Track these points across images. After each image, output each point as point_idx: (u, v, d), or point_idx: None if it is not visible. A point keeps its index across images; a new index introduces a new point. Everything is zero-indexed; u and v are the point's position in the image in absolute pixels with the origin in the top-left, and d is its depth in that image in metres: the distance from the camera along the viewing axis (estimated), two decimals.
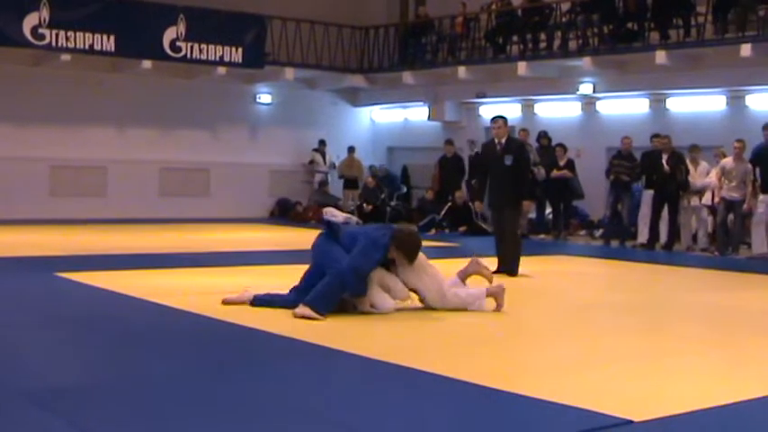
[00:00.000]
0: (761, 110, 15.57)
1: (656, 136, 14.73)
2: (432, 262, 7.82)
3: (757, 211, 13.37)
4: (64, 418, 4.34)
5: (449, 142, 18.90)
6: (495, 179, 10.58)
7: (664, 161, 14.20)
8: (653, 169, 14.41)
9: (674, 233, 14.43)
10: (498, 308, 7.69)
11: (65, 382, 5.13)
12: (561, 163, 16.08)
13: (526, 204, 11.02)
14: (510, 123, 17.59)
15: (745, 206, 13.54)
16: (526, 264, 10.73)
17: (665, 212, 14.45)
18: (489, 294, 7.76)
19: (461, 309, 7.65)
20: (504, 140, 10.53)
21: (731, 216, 13.78)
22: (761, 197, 13.28)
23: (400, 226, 7.97)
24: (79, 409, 4.49)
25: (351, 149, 20.78)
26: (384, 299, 7.48)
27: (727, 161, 13.79)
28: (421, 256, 7.61)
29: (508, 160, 10.36)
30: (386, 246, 7.37)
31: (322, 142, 21.07)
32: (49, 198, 18.19)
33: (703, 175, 14.43)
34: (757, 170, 13.32)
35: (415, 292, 7.66)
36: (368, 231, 7.65)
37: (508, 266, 10.27)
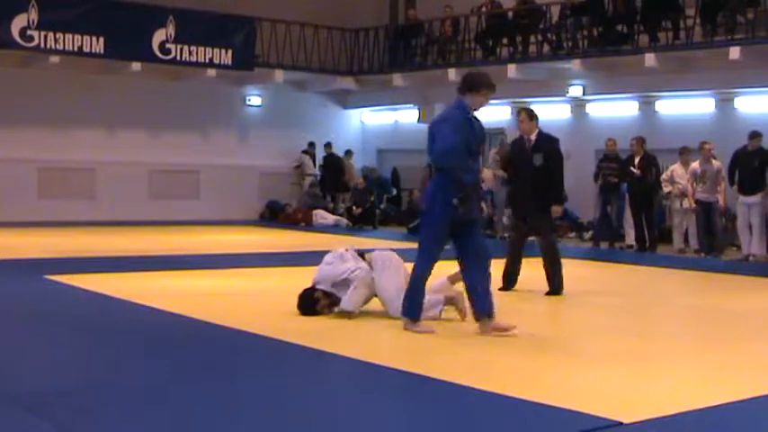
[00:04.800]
0: (749, 112, 15.64)
1: (635, 138, 14.76)
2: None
3: (739, 213, 13.52)
4: (51, 421, 4.31)
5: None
6: (522, 181, 9.36)
7: (635, 163, 14.30)
8: (626, 172, 14.60)
9: (654, 234, 14.46)
10: (462, 315, 7.25)
11: (53, 384, 5.10)
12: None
13: (555, 210, 9.32)
14: (499, 126, 17.91)
15: (720, 203, 13.69)
16: None
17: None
18: (448, 303, 7.38)
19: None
20: (533, 137, 9.23)
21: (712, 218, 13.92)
22: (740, 198, 13.40)
23: None
24: (67, 412, 4.46)
25: (348, 153, 20.88)
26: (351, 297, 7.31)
27: (696, 165, 13.90)
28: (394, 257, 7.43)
29: (537, 160, 9.13)
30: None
31: (311, 144, 21.09)
32: (37, 200, 18.13)
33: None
34: (736, 173, 13.49)
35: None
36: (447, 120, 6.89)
37: (553, 286, 9.12)
